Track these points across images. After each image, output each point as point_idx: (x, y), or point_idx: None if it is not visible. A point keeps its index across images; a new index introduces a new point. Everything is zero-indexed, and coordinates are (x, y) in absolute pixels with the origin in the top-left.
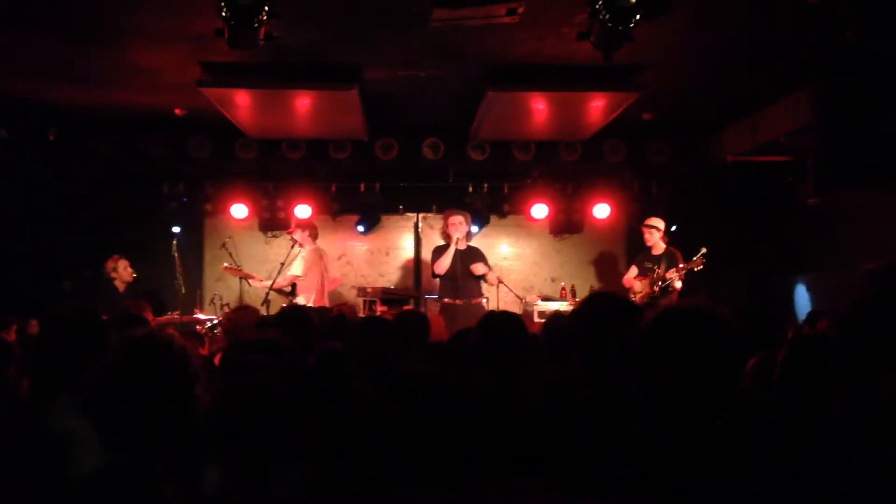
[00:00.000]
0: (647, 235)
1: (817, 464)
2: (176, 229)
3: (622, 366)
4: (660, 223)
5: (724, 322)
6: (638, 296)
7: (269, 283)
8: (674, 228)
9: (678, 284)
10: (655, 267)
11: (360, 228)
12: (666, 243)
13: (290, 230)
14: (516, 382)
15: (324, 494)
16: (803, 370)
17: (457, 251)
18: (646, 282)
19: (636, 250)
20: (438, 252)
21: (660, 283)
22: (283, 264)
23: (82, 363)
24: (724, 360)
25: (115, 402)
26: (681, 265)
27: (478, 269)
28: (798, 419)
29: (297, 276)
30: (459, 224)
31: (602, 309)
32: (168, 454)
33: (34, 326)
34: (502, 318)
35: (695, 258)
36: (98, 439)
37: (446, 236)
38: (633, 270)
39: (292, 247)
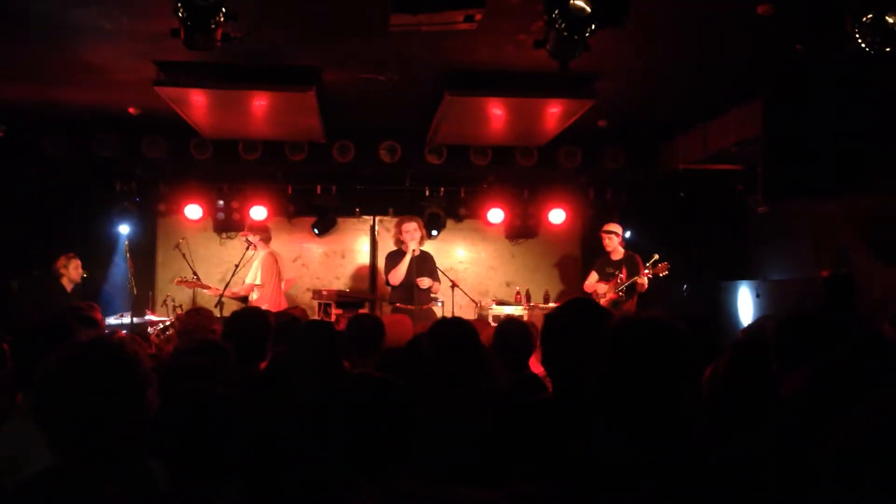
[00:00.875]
0: (606, 241)
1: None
2: (124, 228)
3: (582, 370)
4: (618, 228)
5: (679, 332)
6: (603, 299)
7: (227, 291)
8: (628, 234)
9: (644, 282)
10: (617, 272)
11: (316, 231)
12: (624, 248)
13: (244, 233)
14: (466, 388)
15: (268, 498)
16: (742, 377)
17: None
18: (610, 286)
19: (591, 255)
20: (392, 259)
21: (623, 287)
22: (237, 266)
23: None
24: (679, 367)
25: (61, 405)
26: (645, 271)
27: (423, 282)
28: (737, 424)
29: (257, 285)
30: (413, 231)
31: (579, 314)
32: (117, 456)
33: None
34: (453, 325)
35: (659, 264)
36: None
37: (399, 243)
38: (594, 276)
39: (246, 249)
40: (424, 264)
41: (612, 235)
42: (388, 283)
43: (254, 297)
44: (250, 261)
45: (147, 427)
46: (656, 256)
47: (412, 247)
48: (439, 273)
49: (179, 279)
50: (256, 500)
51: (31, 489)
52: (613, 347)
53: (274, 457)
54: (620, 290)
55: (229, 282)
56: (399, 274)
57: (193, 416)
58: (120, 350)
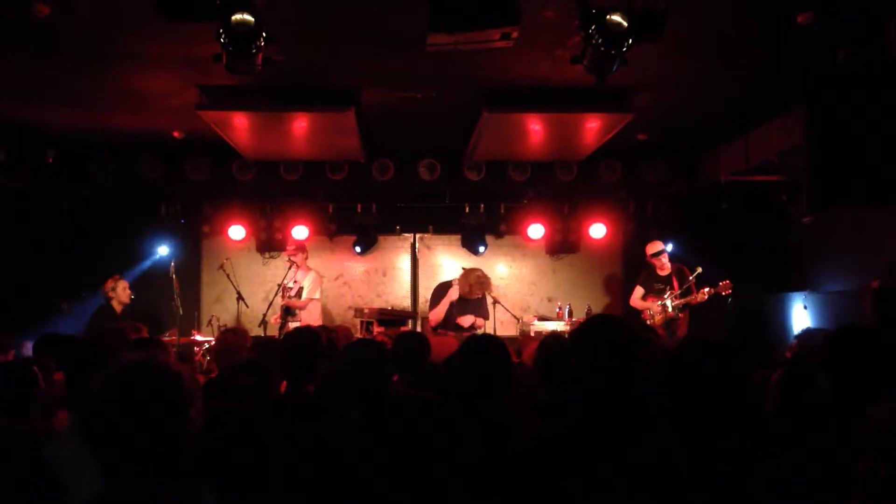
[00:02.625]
0: (657, 263)
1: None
2: (166, 250)
3: (620, 386)
4: (661, 246)
5: (739, 354)
6: (657, 317)
7: (290, 302)
8: (669, 248)
9: (701, 298)
10: (668, 287)
11: (358, 249)
12: (669, 261)
13: (289, 252)
14: (495, 402)
15: None
16: (799, 393)
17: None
18: (662, 301)
19: (633, 268)
20: (437, 295)
21: (680, 304)
22: (279, 286)
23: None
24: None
25: (106, 425)
26: (706, 289)
27: (465, 321)
28: (794, 442)
29: (315, 299)
30: (458, 285)
31: (600, 331)
32: (164, 477)
33: (28, 349)
34: (482, 341)
35: (721, 283)
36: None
37: (464, 288)
38: (640, 291)
39: (289, 268)
40: (466, 306)
41: (662, 256)
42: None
43: (302, 314)
44: (294, 279)
45: (191, 447)
46: (699, 270)
47: (456, 292)
48: (488, 300)
49: (275, 318)
50: None
51: None
52: (679, 368)
53: (321, 477)
54: (677, 308)
55: (272, 301)
56: (438, 315)
57: (238, 435)
58: (166, 370)
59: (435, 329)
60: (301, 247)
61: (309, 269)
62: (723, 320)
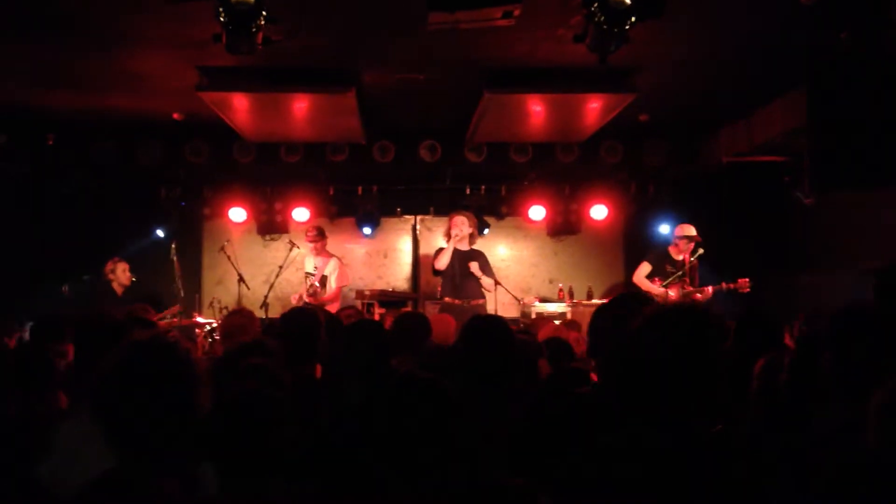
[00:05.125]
0: (682, 246)
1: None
2: (167, 232)
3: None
4: (695, 233)
5: (718, 322)
6: (658, 300)
7: (325, 297)
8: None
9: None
10: (681, 273)
11: (367, 231)
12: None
13: (309, 237)
14: (498, 384)
15: (320, 495)
16: (811, 372)
17: (457, 250)
18: (675, 290)
19: (634, 250)
20: (440, 250)
21: (691, 293)
22: (281, 268)
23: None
24: (715, 358)
25: (121, 403)
26: (724, 285)
27: (473, 266)
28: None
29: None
30: (461, 223)
31: (626, 308)
32: (170, 455)
33: (27, 332)
34: (483, 322)
35: (740, 279)
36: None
37: (449, 236)
38: (647, 268)
39: (289, 250)
40: (475, 258)
41: (690, 244)
42: (434, 271)
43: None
44: (315, 266)
45: (198, 427)
46: (701, 251)
47: (455, 233)
48: (492, 271)
49: (296, 297)
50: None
51: (93, 491)
52: (648, 337)
53: (326, 457)
54: (687, 297)
55: (273, 283)
56: (443, 260)
57: (244, 417)
58: (176, 349)
59: (443, 280)
60: (321, 231)
61: (329, 254)
62: (722, 302)
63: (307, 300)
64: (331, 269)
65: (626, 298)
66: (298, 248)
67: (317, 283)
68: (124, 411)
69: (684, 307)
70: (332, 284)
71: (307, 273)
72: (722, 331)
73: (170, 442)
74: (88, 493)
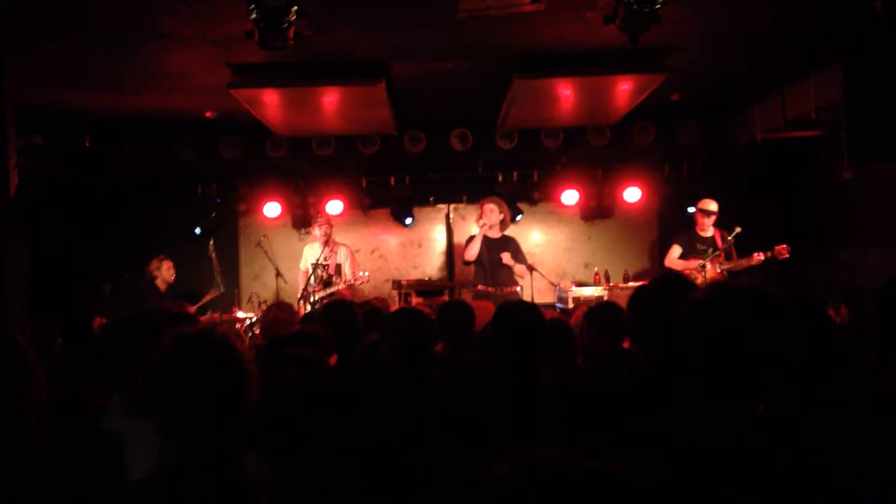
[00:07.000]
0: (704, 220)
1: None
2: (204, 229)
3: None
4: (716, 206)
5: (780, 302)
6: (698, 279)
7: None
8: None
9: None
10: (711, 249)
11: (408, 221)
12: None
13: (320, 223)
14: (529, 370)
15: (366, 481)
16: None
17: (488, 238)
18: (711, 264)
19: (668, 232)
20: (470, 239)
21: (728, 269)
22: (316, 261)
23: (135, 363)
24: (779, 341)
25: (175, 395)
26: (757, 254)
27: (505, 257)
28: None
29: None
30: (490, 211)
31: (666, 290)
32: (227, 444)
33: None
34: (514, 308)
35: (776, 247)
36: (151, 438)
37: (480, 224)
38: (678, 250)
39: (324, 244)
40: (506, 245)
41: (712, 217)
42: (464, 261)
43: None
44: (325, 256)
45: (250, 419)
46: (738, 229)
47: (483, 223)
48: (524, 257)
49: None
50: (353, 488)
51: (145, 488)
52: (704, 317)
53: (372, 445)
54: (723, 270)
55: (310, 278)
56: (472, 251)
57: (294, 408)
58: (228, 341)
59: (475, 269)
60: (330, 219)
61: (337, 243)
62: (762, 280)
63: (317, 290)
64: (342, 256)
65: (667, 280)
66: (329, 240)
67: (331, 273)
68: (181, 404)
69: (746, 288)
70: (346, 272)
71: (314, 264)
72: (787, 313)
73: (225, 433)
74: (146, 487)
